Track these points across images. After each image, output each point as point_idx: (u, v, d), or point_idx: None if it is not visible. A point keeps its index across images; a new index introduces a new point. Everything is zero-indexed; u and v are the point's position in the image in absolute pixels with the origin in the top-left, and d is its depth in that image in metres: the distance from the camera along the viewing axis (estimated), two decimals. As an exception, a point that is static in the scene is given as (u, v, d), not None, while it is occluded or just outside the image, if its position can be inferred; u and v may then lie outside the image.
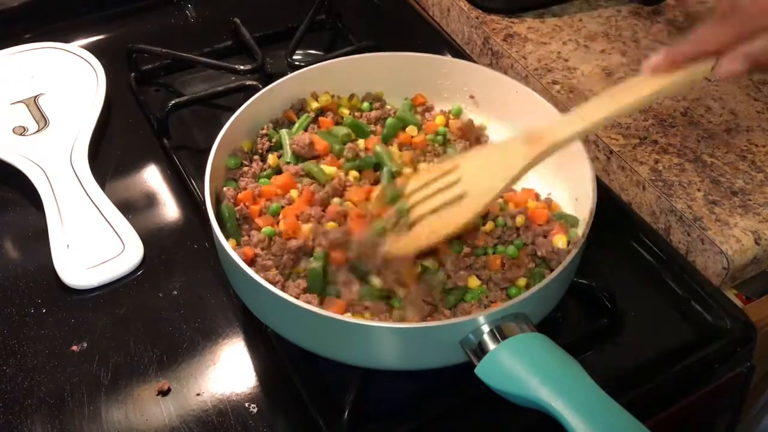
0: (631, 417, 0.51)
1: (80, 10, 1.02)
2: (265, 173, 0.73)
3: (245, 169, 0.73)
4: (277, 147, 0.76)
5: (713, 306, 0.70)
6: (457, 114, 0.80)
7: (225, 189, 0.70)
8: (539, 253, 0.66)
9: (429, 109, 0.81)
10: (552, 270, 0.65)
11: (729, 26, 0.59)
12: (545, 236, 0.67)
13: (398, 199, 0.66)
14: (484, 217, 0.69)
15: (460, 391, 0.63)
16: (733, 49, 0.58)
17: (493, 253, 0.67)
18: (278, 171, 0.74)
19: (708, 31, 0.60)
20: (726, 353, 0.68)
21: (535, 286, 0.59)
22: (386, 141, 0.77)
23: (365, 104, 0.80)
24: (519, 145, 0.63)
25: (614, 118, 0.68)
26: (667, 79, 0.60)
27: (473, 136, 0.78)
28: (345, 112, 0.80)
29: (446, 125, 0.79)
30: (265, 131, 0.76)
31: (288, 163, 0.74)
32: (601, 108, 0.62)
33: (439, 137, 0.78)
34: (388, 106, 0.81)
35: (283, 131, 0.76)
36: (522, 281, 0.65)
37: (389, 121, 0.78)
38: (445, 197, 0.64)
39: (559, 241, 0.66)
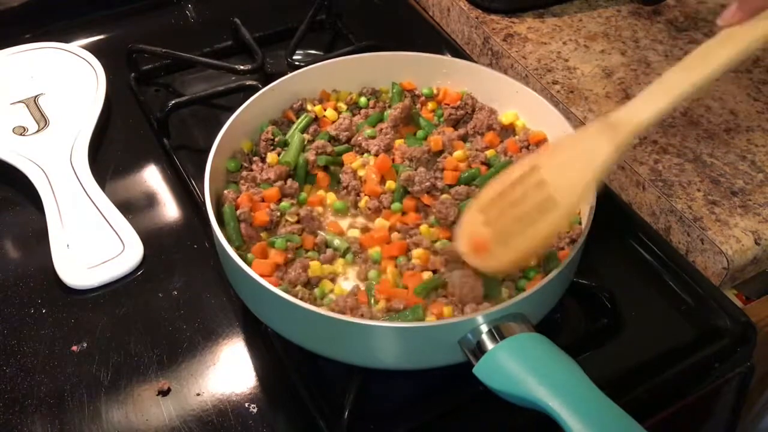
0: (628, 417, 0.51)
1: (80, 10, 1.02)
2: (263, 182, 0.72)
3: (244, 173, 0.73)
4: (279, 145, 0.76)
5: (713, 306, 0.70)
6: (429, 95, 0.80)
7: (226, 192, 0.70)
8: None
9: (419, 96, 0.81)
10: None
11: None
12: None
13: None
14: None
15: (460, 391, 0.63)
16: None
17: None
18: (283, 177, 0.72)
19: None
20: (726, 353, 0.68)
21: (534, 287, 0.59)
22: (373, 124, 0.77)
23: (362, 99, 0.80)
24: (597, 136, 0.58)
25: (694, 90, 0.59)
26: (741, 40, 0.55)
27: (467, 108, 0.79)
28: (342, 106, 0.80)
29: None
30: (268, 134, 0.76)
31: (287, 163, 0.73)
32: (679, 81, 0.57)
33: (436, 117, 0.79)
34: (385, 99, 0.81)
35: (296, 133, 0.75)
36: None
37: (386, 114, 0.78)
38: (534, 201, 0.59)
39: None
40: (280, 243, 0.66)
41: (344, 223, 0.71)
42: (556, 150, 0.63)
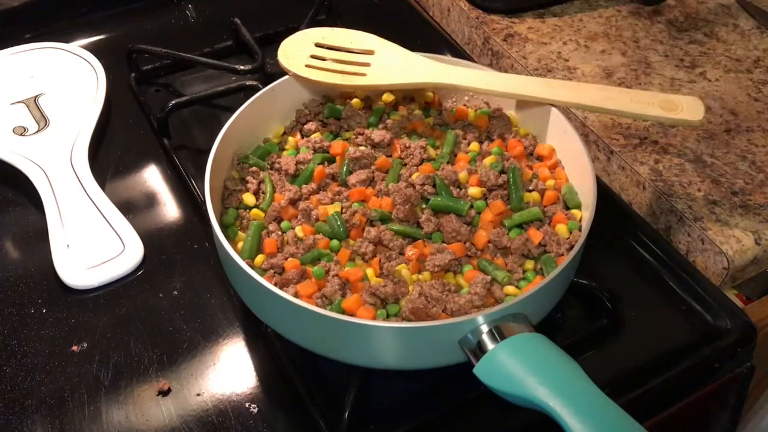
0: (629, 417, 0.51)
1: (80, 10, 1.02)
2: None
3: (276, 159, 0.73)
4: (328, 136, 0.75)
5: (713, 306, 0.70)
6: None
7: (228, 183, 0.70)
8: (542, 242, 0.67)
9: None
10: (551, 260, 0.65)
11: None
12: (549, 223, 0.68)
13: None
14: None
15: (460, 391, 0.64)
16: None
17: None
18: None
19: None
20: (726, 353, 0.68)
21: (534, 287, 0.59)
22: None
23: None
24: (428, 66, 0.75)
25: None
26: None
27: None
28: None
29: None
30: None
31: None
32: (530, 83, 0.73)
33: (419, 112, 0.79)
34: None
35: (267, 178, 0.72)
36: (529, 263, 0.66)
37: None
38: (351, 64, 0.76)
39: (561, 229, 0.67)
40: (318, 272, 0.63)
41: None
42: (392, 53, 0.77)
